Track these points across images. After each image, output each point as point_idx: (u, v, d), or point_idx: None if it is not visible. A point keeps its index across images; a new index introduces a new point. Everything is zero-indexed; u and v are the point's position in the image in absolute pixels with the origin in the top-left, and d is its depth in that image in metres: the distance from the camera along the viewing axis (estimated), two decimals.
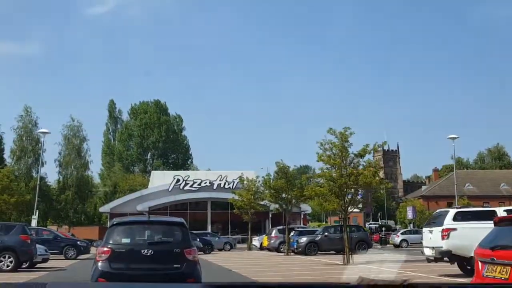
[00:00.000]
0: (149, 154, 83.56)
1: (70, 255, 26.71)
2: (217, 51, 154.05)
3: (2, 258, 18.07)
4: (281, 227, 34.99)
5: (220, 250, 37.21)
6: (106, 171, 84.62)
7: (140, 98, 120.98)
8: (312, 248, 29.23)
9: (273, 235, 34.89)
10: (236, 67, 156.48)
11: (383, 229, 55.65)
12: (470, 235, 13.61)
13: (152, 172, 65.04)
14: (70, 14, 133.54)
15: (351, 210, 22.80)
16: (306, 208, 50.54)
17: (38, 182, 42.32)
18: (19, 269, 18.28)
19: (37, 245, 20.10)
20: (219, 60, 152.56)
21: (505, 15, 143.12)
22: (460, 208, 16.65)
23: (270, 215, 48.92)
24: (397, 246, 42.13)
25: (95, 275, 8.98)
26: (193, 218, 49.38)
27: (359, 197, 23.14)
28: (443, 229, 14.67)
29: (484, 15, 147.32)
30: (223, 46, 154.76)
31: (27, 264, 19.35)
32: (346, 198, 21.44)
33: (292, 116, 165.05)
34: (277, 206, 33.06)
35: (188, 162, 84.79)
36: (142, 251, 9.09)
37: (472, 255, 13.21)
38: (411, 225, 56.06)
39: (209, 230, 48.07)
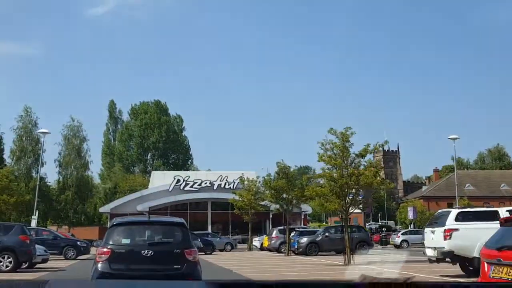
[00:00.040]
0: (149, 155, 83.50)
1: (70, 255, 26.64)
2: (217, 51, 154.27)
3: (1, 259, 17.99)
4: (281, 227, 34.88)
5: (221, 250, 37.17)
6: (106, 171, 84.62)
7: (140, 98, 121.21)
8: (312, 249, 29.15)
9: (273, 235, 34.77)
10: (236, 67, 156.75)
11: (383, 229, 55.56)
12: (473, 236, 13.56)
13: (152, 172, 65.02)
14: (70, 14, 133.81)
15: (352, 211, 22.71)
16: (307, 208, 50.49)
17: (38, 182, 42.23)
18: (18, 270, 18.20)
19: (37, 246, 20.00)
20: (219, 60, 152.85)
21: (505, 15, 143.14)
22: (462, 208, 16.56)
23: (271, 216, 48.84)
24: (397, 247, 42.02)
25: (94, 276, 8.93)
26: (193, 218, 49.31)
27: (360, 197, 23.02)
28: (445, 230, 14.56)
29: (484, 16, 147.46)
30: (223, 46, 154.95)
31: (27, 265, 19.26)
32: (347, 198, 21.36)
33: (292, 116, 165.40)
34: (277, 206, 32.94)
35: (189, 163, 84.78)
36: (142, 251, 9.02)
37: (474, 255, 13.21)
38: (412, 225, 55.97)
39: (209, 230, 47.97)
